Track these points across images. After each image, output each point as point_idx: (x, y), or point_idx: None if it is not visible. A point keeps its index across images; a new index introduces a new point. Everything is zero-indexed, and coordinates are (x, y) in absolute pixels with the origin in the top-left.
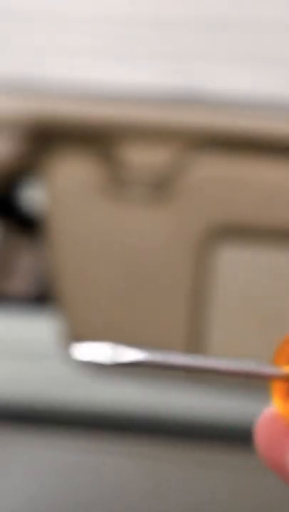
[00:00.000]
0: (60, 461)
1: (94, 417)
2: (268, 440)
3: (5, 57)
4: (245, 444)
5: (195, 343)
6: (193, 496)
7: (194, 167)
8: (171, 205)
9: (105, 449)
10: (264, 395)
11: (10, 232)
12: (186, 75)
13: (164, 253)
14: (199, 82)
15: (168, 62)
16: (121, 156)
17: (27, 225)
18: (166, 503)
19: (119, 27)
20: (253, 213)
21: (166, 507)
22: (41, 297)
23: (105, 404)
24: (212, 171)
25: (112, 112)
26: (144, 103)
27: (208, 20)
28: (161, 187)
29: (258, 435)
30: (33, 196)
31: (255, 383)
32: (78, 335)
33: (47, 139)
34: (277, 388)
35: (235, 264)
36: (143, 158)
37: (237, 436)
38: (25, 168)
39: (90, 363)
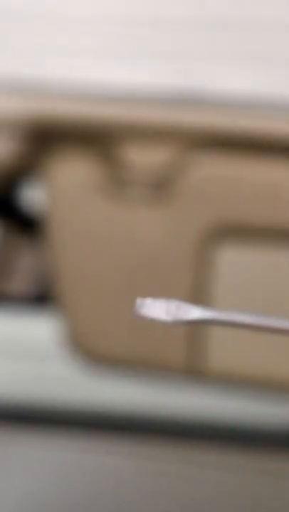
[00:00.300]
0: (60, 461)
1: (94, 417)
2: None
3: (5, 57)
4: (245, 444)
5: (195, 343)
6: (193, 496)
7: (194, 167)
8: (171, 205)
9: (105, 449)
10: (264, 395)
11: (10, 232)
12: (186, 75)
13: (164, 253)
14: (199, 82)
15: (168, 62)
16: (121, 156)
17: (27, 225)
18: (166, 503)
19: (119, 27)
20: (253, 213)
21: (166, 507)
22: (41, 297)
23: (105, 404)
24: (212, 171)
25: (112, 112)
26: (144, 103)
27: (208, 20)
28: (161, 187)
29: None
30: (33, 196)
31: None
32: (78, 335)
33: (47, 139)
34: None
35: (236, 264)
36: (143, 158)
37: (237, 436)
38: (25, 168)
39: (153, 320)
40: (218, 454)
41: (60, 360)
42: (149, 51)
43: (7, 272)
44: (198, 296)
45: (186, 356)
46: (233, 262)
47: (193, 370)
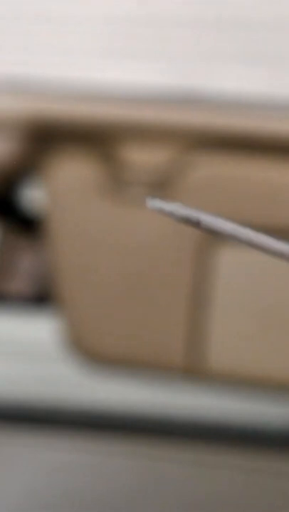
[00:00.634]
0: (60, 461)
1: (94, 417)
2: None
3: (5, 57)
4: (245, 444)
5: (195, 343)
6: (194, 496)
7: (194, 167)
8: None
9: (105, 449)
10: (264, 395)
11: (10, 232)
12: (186, 75)
13: (164, 253)
14: (199, 82)
15: (168, 62)
16: (121, 156)
17: (27, 225)
18: (166, 503)
19: (119, 27)
20: (254, 213)
21: (166, 507)
22: (41, 297)
23: (105, 404)
24: (212, 171)
25: (112, 111)
26: (144, 103)
27: (208, 20)
28: (161, 187)
29: None
30: (33, 196)
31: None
32: (78, 335)
33: (47, 139)
34: None
35: (235, 264)
36: (143, 158)
37: (237, 436)
38: (25, 168)
39: (161, 211)
40: (218, 454)
41: (60, 361)
42: (148, 51)
43: (7, 272)
44: (198, 296)
45: (185, 356)
46: (233, 262)
47: (193, 370)
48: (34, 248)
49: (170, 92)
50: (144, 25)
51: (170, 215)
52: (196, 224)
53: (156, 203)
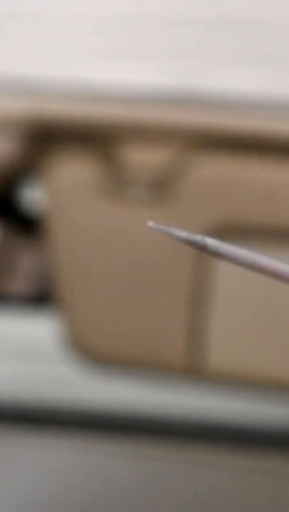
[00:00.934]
0: (60, 461)
1: (94, 417)
2: None
3: (5, 57)
4: (245, 444)
5: (195, 343)
6: (193, 496)
7: (194, 167)
8: (171, 205)
9: (105, 449)
10: (264, 395)
11: (10, 232)
12: (186, 75)
13: (164, 253)
14: (199, 82)
15: (168, 62)
16: (121, 156)
17: (27, 225)
18: (166, 503)
19: (119, 27)
20: (254, 213)
21: (166, 507)
22: (41, 297)
23: (105, 404)
24: (212, 170)
25: (112, 111)
26: (144, 103)
27: (208, 20)
28: (161, 187)
29: None
30: (33, 196)
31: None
32: (78, 335)
33: (47, 139)
34: None
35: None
36: (143, 158)
37: (237, 436)
38: (25, 168)
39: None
40: (218, 454)
41: (60, 360)
42: (148, 51)
43: (7, 272)
44: (197, 296)
45: (185, 356)
46: None
47: (193, 370)
48: (34, 248)
49: (170, 92)
50: (144, 25)
51: (177, 239)
52: (202, 248)
53: (162, 228)
